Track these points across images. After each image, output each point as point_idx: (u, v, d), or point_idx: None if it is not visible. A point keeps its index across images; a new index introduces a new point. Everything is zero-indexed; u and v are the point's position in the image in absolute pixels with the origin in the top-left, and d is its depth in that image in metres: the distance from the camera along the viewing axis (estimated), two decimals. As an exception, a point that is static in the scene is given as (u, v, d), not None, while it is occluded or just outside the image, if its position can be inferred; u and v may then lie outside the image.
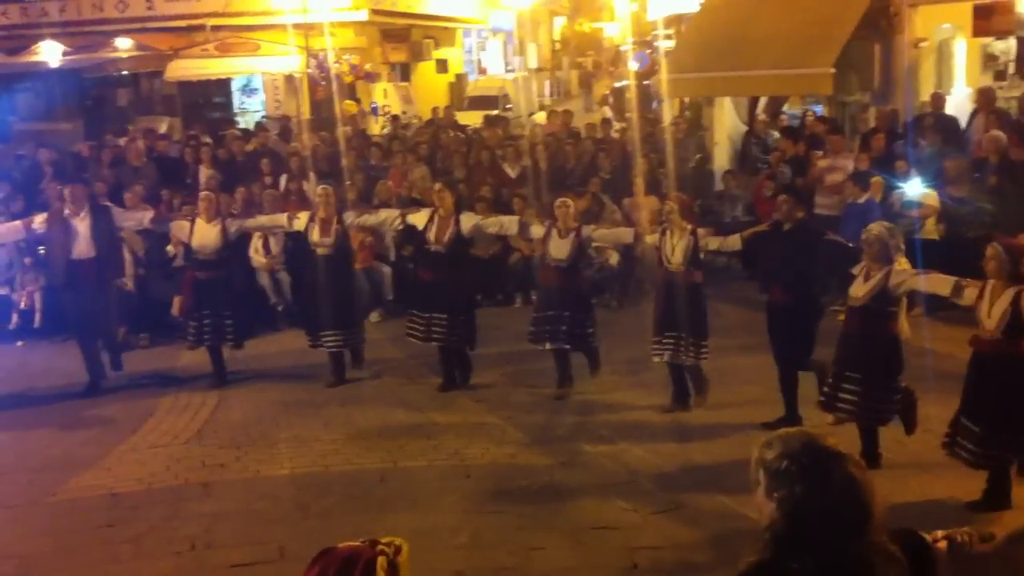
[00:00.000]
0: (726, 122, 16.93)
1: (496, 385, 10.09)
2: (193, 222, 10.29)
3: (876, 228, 7.69)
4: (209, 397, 10.02)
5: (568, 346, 9.65)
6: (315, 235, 10.08)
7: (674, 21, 26.56)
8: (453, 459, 8.29)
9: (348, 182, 13.84)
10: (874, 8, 15.01)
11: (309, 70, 26.71)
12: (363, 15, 28.37)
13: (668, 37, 28.90)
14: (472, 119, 22.02)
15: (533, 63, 40.04)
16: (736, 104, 17.24)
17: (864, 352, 7.59)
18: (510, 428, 8.95)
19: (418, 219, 10.10)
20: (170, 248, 11.89)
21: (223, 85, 29.62)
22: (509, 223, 10.34)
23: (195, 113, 28.44)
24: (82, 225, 10.03)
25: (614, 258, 13.24)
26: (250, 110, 29.00)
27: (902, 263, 7.57)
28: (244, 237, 11.71)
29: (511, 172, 14.79)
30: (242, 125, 24.19)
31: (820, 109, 18.47)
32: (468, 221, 9.97)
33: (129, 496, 7.71)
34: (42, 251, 12.27)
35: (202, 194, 10.67)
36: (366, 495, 7.60)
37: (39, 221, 10.26)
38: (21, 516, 7.45)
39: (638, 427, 8.86)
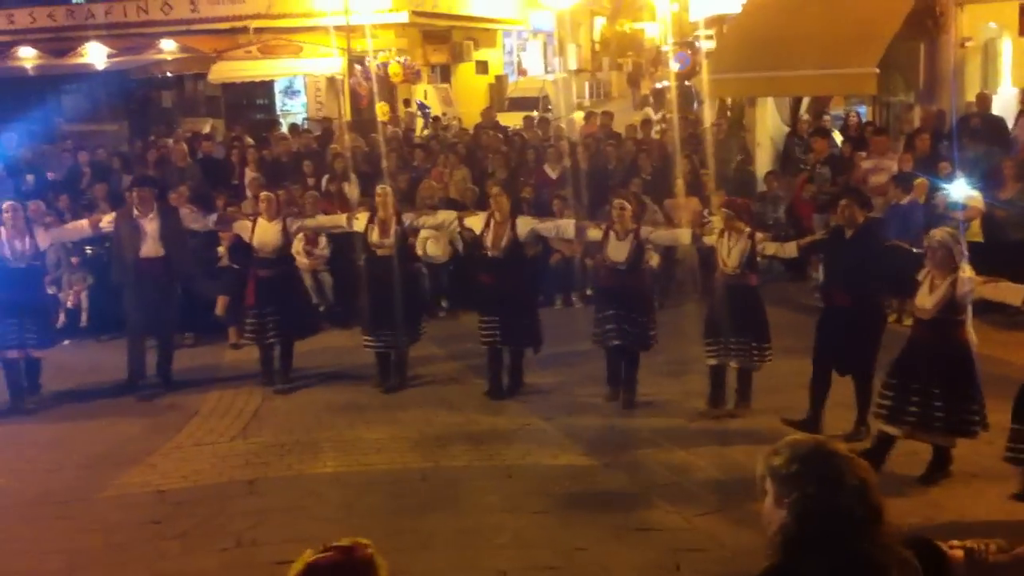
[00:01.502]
0: (768, 123, 16.83)
1: (538, 387, 10.09)
2: (254, 222, 10.41)
3: (939, 233, 7.48)
4: (253, 396, 10.12)
5: (633, 346, 9.52)
6: (375, 235, 10.12)
7: (715, 21, 26.49)
8: (495, 460, 8.31)
9: (390, 183, 13.90)
10: (919, 7, 14.88)
11: (352, 78, 26.85)
12: (404, 17, 28.51)
13: (709, 38, 28.81)
14: (512, 120, 22.04)
15: (573, 64, 40.02)
16: (779, 105, 17.14)
17: (937, 364, 7.36)
18: (552, 430, 8.96)
19: (475, 223, 10.15)
20: (221, 250, 12.01)
21: (266, 87, 29.90)
22: (566, 226, 10.24)
23: (238, 114, 28.75)
24: (150, 226, 10.19)
25: (655, 259, 13.16)
26: (292, 111, 29.23)
27: (966, 270, 7.31)
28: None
29: (552, 173, 14.79)
30: (284, 127, 24.37)
31: (864, 110, 18.33)
32: (524, 225, 9.97)
33: (175, 493, 7.80)
34: (89, 251, 12.46)
35: (263, 194, 10.79)
36: (408, 494, 7.64)
37: (106, 220, 10.45)
38: (70, 512, 7.55)
39: (681, 429, 8.84)
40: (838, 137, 15.57)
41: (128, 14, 29.15)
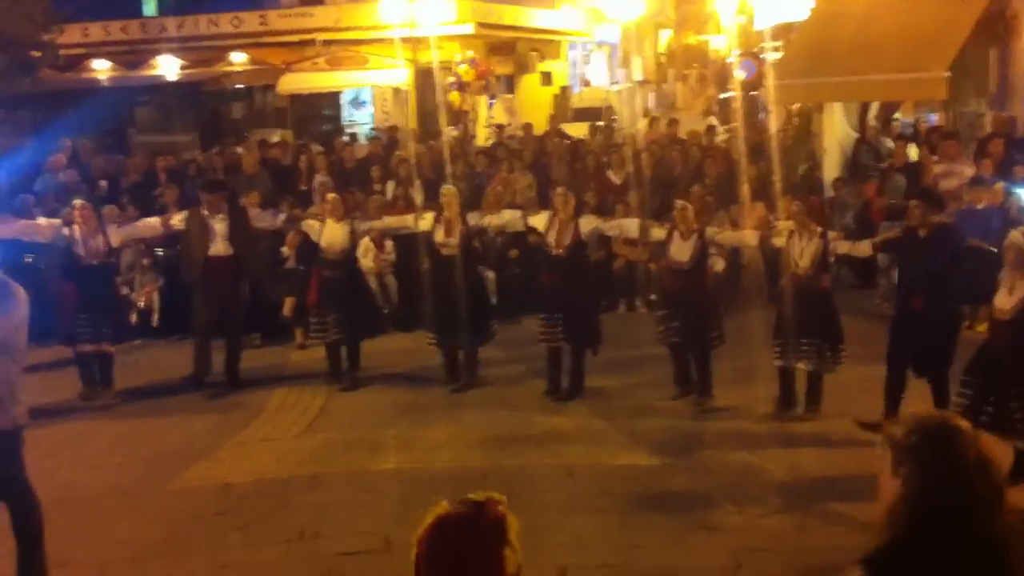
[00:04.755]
0: (836, 129, 16.59)
1: (601, 390, 10.02)
2: (323, 222, 10.52)
3: (1015, 235, 7.39)
4: (318, 395, 10.21)
5: (696, 344, 9.46)
6: (440, 235, 10.18)
7: (782, 32, 26.21)
8: (555, 459, 8.29)
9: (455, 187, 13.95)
10: (990, 12, 14.60)
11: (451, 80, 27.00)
12: (469, 28, 28.64)
13: (776, 49, 28.51)
14: (577, 131, 22.02)
15: (638, 75, 39.89)
16: (847, 111, 16.90)
17: (1016, 366, 7.20)
18: (613, 431, 8.91)
19: (539, 221, 10.17)
20: (284, 250, 12.16)
21: (333, 98, 30.24)
22: (629, 225, 10.36)
23: (306, 125, 29.10)
24: (220, 225, 10.37)
25: (720, 265, 13.07)
26: (358, 122, 29.52)
27: None
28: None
29: (616, 179, 14.75)
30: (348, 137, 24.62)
31: (934, 117, 18.02)
32: (588, 224, 10.01)
33: (239, 487, 7.89)
34: (160, 253, 12.69)
35: (330, 196, 10.94)
36: (469, 491, 7.59)
37: (177, 219, 10.66)
38: (137, 504, 7.68)
39: (746, 433, 8.75)
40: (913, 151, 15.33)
41: (199, 27, 29.66)
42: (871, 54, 14.49)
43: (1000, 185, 11.79)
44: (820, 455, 8.13)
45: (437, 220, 10.23)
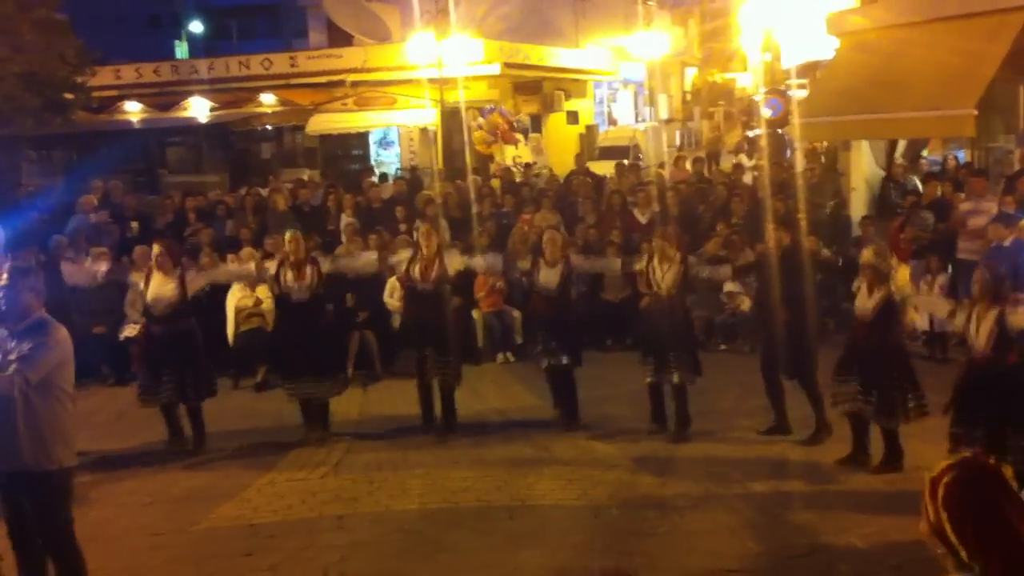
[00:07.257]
0: (863, 167, 16.57)
1: (624, 426, 10.04)
2: (149, 275, 9.99)
3: (867, 253, 8.72)
4: (344, 436, 10.21)
5: (568, 364, 9.98)
6: (289, 279, 9.96)
7: (808, 69, 26.28)
8: (582, 499, 8.25)
9: (479, 228, 14.06)
10: (1018, 48, 14.56)
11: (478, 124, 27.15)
12: (496, 68, 28.93)
13: (801, 86, 28.60)
14: (603, 169, 22.11)
15: (664, 114, 40.06)
16: (874, 149, 16.89)
17: (879, 359, 8.44)
18: (639, 467, 8.90)
19: (400, 258, 10.41)
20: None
21: (361, 138, 30.58)
22: (494, 261, 10.78)
23: (334, 165, 29.40)
24: None
25: (746, 304, 13.08)
26: (386, 162, 29.80)
27: (903, 275, 8.95)
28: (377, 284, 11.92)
29: (641, 218, 14.78)
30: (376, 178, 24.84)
31: (963, 154, 17.97)
32: (452, 260, 10.26)
33: (266, 527, 7.90)
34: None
35: (155, 248, 10.15)
36: (495, 531, 7.63)
37: None
38: (166, 543, 7.70)
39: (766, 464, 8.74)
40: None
41: (230, 69, 30.13)
42: (898, 91, 14.47)
43: (1027, 221, 11.73)
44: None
45: (281, 265, 10.01)
